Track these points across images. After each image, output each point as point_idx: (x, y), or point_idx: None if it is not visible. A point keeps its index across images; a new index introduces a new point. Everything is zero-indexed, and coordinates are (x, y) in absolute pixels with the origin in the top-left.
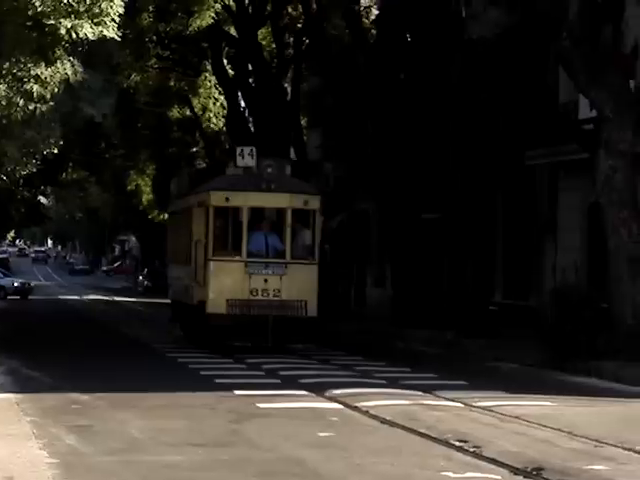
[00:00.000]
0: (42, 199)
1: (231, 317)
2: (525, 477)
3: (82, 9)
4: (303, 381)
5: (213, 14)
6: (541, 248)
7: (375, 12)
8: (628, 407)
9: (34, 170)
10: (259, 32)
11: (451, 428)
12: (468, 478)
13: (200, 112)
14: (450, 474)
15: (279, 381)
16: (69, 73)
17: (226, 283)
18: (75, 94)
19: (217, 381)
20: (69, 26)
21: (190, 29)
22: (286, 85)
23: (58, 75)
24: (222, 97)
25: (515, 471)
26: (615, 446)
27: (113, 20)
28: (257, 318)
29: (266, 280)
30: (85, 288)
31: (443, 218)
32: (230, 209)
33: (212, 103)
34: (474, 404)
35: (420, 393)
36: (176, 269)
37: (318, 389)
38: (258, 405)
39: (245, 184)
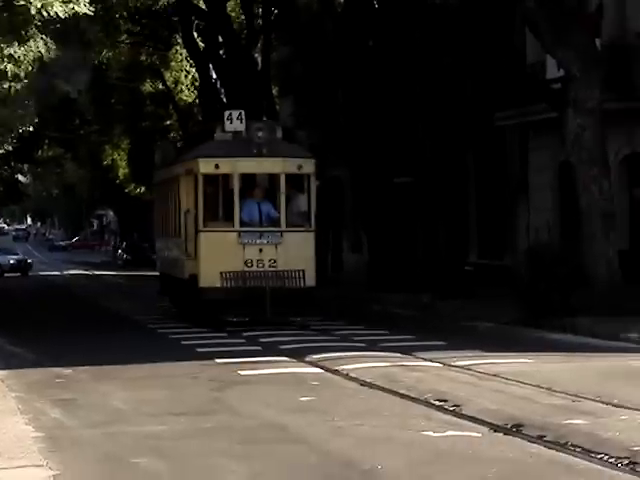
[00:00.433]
0: (20, 177)
1: (225, 290)
2: (505, 434)
3: None
4: (283, 347)
5: None
6: (514, 208)
7: None
8: (604, 361)
9: (10, 148)
10: (228, 4)
11: (430, 388)
12: (448, 436)
13: (172, 85)
14: (431, 433)
15: (260, 348)
16: (42, 51)
17: (219, 255)
18: (49, 71)
19: (199, 350)
20: (39, 5)
21: (160, 3)
22: (256, 55)
23: (31, 54)
24: (194, 70)
25: (495, 428)
26: (593, 400)
27: None
28: (253, 290)
29: (261, 250)
30: (65, 263)
31: (415, 182)
32: (220, 176)
33: (184, 76)
34: (452, 364)
35: (399, 355)
36: (165, 242)
37: (298, 354)
38: (239, 372)
39: (235, 150)
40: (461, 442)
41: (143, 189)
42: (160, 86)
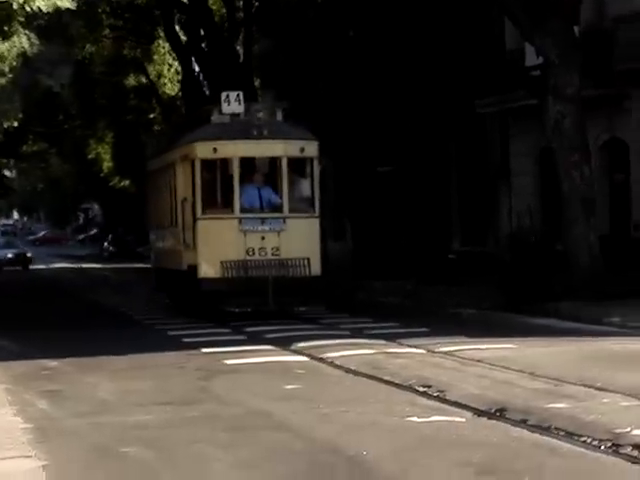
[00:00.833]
0: (5, 172)
1: (226, 281)
2: (489, 418)
3: None
4: (268, 336)
5: None
6: (496, 195)
7: None
8: (587, 345)
9: None
10: None
11: (415, 374)
12: (433, 422)
13: (155, 79)
14: (415, 419)
15: (245, 337)
16: (26, 46)
17: (218, 243)
18: (33, 66)
19: (184, 340)
20: (22, 1)
21: None
22: (238, 48)
23: (15, 49)
24: (176, 63)
25: (479, 413)
26: (575, 384)
27: None
28: (255, 280)
29: (263, 237)
30: (51, 257)
31: (398, 170)
32: (218, 161)
33: (167, 69)
34: (436, 350)
35: (383, 342)
36: (160, 233)
37: (283, 343)
38: (225, 362)
39: (233, 132)
40: (445, 427)
41: (127, 182)
42: (143, 80)
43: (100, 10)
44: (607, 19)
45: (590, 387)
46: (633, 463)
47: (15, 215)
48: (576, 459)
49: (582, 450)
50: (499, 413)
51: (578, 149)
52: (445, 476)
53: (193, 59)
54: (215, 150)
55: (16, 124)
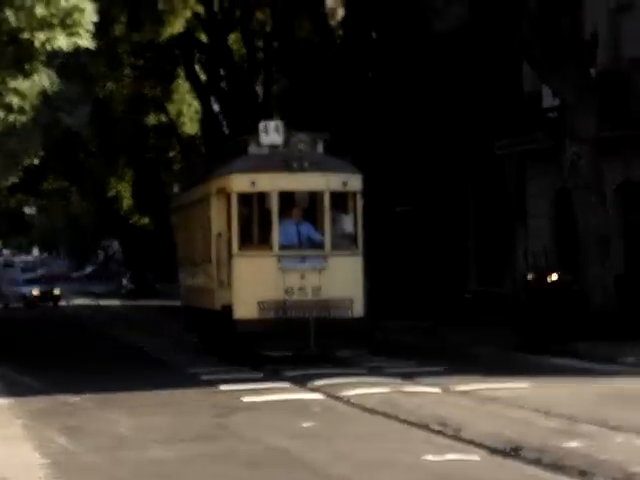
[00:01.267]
0: (26, 209)
1: (264, 322)
2: (503, 457)
3: (56, 22)
4: (286, 374)
5: (183, 22)
6: (512, 236)
7: (341, 13)
8: (601, 385)
9: (17, 180)
10: (229, 37)
11: (431, 413)
12: (448, 460)
13: (175, 117)
14: (430, 457)
15: (262, 375)
16: (46, 85)
17: (256, 282)
18: (53, 105)
19: (203, 378)
20: (44, 39)
21: (162, 37)
22: (257, 88)
23: (36, 87)
24: (196, 102)
25: (493, 451)
26: (589, 423)
27: (87, 30)
28: (295, 322)
29: (303, 276)
30: (71, 293)
31: (416, 210)
32: (256, 195)
33: (186, 108)
34: (452, 389)
35: (400, 380)
36: (191, 270)
37: (300, 381)
38: (242, 399)
39: (273, 165)
40: (460, 466)
41: (147, 220)
42: (163, 118)
43: (121, 50)
44: (624, 61)
45: (604, 426)
46: None
47: (35, 252)
48: None
49: None
50: (514, 452)
51: (594, 190)
52: None
53: (213, 98)
54: (253, 183)
55: (37, 161)
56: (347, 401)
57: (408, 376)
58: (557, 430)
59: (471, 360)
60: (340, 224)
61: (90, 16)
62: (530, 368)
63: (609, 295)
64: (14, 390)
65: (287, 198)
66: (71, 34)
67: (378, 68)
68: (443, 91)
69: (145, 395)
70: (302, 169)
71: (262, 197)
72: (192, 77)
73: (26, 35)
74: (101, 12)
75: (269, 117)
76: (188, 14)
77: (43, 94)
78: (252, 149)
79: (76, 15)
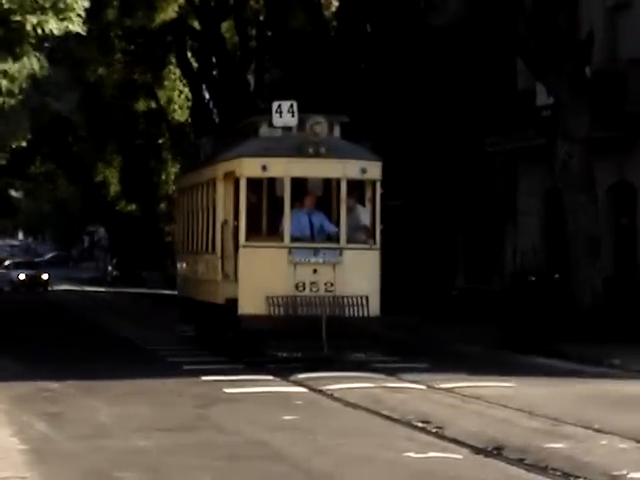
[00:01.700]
0: (12, 192)
1: (271, 319)
2: (486, 456)
3: (48, 5)
4: (269, 366)
5: (176, 8)
6: (502, 233)
7: (336, 4)
8: (587, 386)
9: (4, 162)
10: (222, 25)
11: (414, 409)
12: (430, 458)
13: (165, 104)
14: (412, 454)
15: (244, 366)
16: (36, 68)
17: (264, 276)
18: (42, 89)
19: (185, 368)
20: (35, 22)
21: (154, 23)
22: (249, 76)
23: (25, 70)
24: (187, 89)
25: (476, 450)
26: (573, 425)
27: (78, 15)
28: (305, 320)
29: (315, 270)
30: (56, 279)
31: (405, 205)
32: (266, 180)
33: (177, 95)
34: (436, 386)
35: (384, 376)
36: (190, 259)
37: (283, 373)
38: (224, 390)
39: (286, 148)
40: (442, 464)
41: (134, 206)
42: (153, 105)
43: (112, 34)
44: (620, 61)
45: (588, 428)
46: None
47: (20, 236)
48: None
49: None
50: (496, 451)
51: (585, 190)
52: None
53: (204, 86)
54: (264, 168)
55: (24, 144)
56: (330, 395)
57: (392, 372)
58: (541, 430)
59: (456, 357)
60: (357, 215)
61: (83, 1)
62: (515, 367)
63: (598, 296)
64: None
65: (300, 185)
66: (63, 18)
67: (371, 60)
68: (436, 86)
69: (127, 384)
70: (318, 154)
71: (272, 183)
72: (183, 64)
73: (18, 17)
74: None
75: (260, 107)
76: (181, 0)
77: (32, 78)
78: (263, 131)
79: (69, 0)
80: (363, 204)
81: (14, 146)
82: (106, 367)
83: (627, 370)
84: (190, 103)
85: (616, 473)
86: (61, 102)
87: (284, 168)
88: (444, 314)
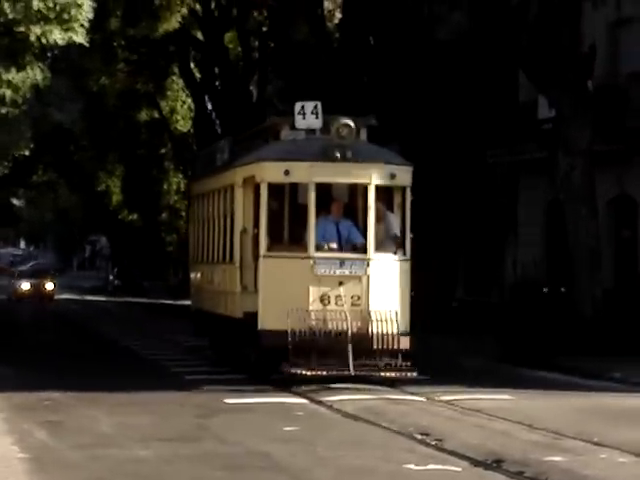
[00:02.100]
0: (14, 201)
1: (294, 335)
2: (485, 469)
3: (52, 16)
4: (270, 376)
5: (179, 18)
6: (502, 244)
7: (339, 16)
8: (587, 400)
9: (5, 172)
10: (225, 36)
11: (414, 422)
12: (430, 470)
13: (168, 114)
14: (412, 466)
15: (246, 376)
16: (39, 78)
17: (286, 288)
18: (44, 99)
19: (187, 378)
20: (39, 32)
21: (157, 33)
22: (252, 88)
23: (28, 80)
24: (189, 99)
25: (475, 463)
26: (573, 438)
27: (82, 26)
28: (330, 336)
29: (341, 283)
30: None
31: None
32: (288, 186)
33: (180, 105)
34: (436, 398)
35: (384, 388)
36: (205, 269)
37: (284, 384)
38: (225, 401)
39: (310, 152)
40: (442, 476)
41: (136, 216)
42: (156, 115)
43: (115, 44)
44: (621, 75)
45: (588, 442)
46: None
47: (22, 244)
48: None
49: None
50: (496, 464)
51: (586, 203)
52: None
53: (206, 97)
54: (287, 173)
55: (27, 153)
56: (330, 406)
57: (392, 383)
58: (540, 443)
59: (456, 370)
60: (386, 223)
61: (86, 12)
62: (515, 380)
63: (598, 309)
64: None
65: (324, 191)
66: (67, 29)
67: (374, 73)
68: (438, 98)
69: (128, 393)
70: (344, 158)
71: (295, 189)
72: (186, 74)
73: (22, 28)
74: (97, 6)
75: (262, 118)
76: (184, 11)
77: (35, 88)
78: (285, 134)
79: (73, 11)
80: (392, 211)
81: (16, 155)
82: (107, 376)
83: (628, 384)
84: (193, 113)
85: None
86: (63, 111)
87: (308, 173)
88: (444, 325)
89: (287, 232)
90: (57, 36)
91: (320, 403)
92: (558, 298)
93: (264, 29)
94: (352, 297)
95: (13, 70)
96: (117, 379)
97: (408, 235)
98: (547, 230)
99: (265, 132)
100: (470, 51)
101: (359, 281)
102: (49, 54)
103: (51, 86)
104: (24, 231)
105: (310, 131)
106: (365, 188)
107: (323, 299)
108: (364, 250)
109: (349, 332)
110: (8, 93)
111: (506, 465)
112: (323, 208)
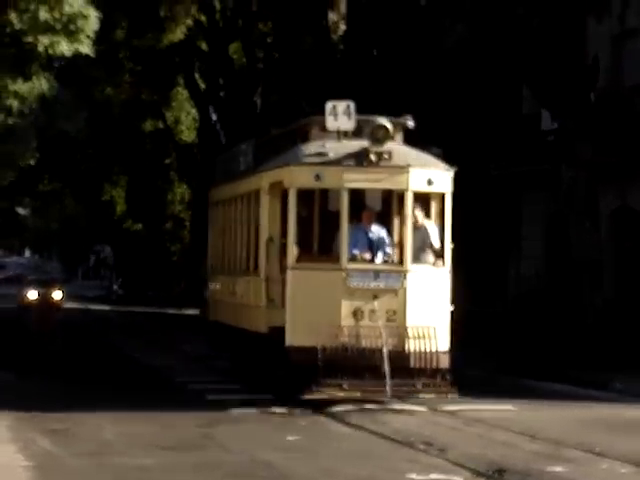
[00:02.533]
0: (20, 210)
1: (324, 352)
2: (487, 479)
3: (59, 27)
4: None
5: (184, 29)
6: (505, 257)
7: (343, 27)
8: (588, 410)
9: (12, 180)
10: (230, 47)
11: (417, 432)
12: None
13: (173, 125)
14: (414, 476)
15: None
16: (45, 88)
17: (316, 302)
18: (50, 109)
19: (191, 387)
20: (47, 43)
21: (162, 44)
22: (256, 99)
23: (35, 90)
24: (194, 110)
25: (477, 473)
26: (575, 448)
27: (88, 37)
28: (364, 354)
29: (376, 296)
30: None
31: None
32: (318, 192)
33: (184, 116)
34: (439, 409)
35: (387, 398)
36: (226, 280)
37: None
38: (229, 410)
39: (343, 155)
40: None
41: (140, 226)
42: (160, 125)
43: (120, 55)
44: (624, 87)
45: (589, 452)
46: None
47: (27, 253)
48: None
49: None
50: (498, 474)
51: (588, 215)
52: None
53: (211, 107)
54: (318, 177)
55: (32, 162)
56: (333, 416)
57: (395, 394)
58: (542, 454)
59: (459, 380)
60: (423, 233)
61: (93, 23)
62: (517, 391)
63: (600, 320)
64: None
65: (356, 197)
66: (73, 40)
67: (378, 84)
68: (441, 110)
69: (132, 402)
70: (379, 162)
71: (325, 195)
72: (191, 85)
73: (29, 39)
74: (102, 17)
75: (267, 129)
76: (189, 22)
77: (41, 98)
78: (315, 135)
79: (80, 22)
80: (431, 220)
81: (22, 164)
82: (111, 385)
83: (629, 395)
84: (197, 124)
85: None
86: (69, 122)
87: (341, 178)
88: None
89: (317, 242)
90: (64, 47)
91: (323, 413)
92: (560, 309)
93: (269, 40)
94: (387, 312)
95: (20, 81)
96: (121, 387)
97: (448, 245)
98: (550, 243)
99: (293, 134)
100: (473, 63)
101: (395, 295)
102: (55, 64)
103: (57, 96)
104: (29, 240)
105: (342, 132)
106: (402, 195)
107: (356, 314)
108: (400, 261)
109: (384, 350)
110: (15, 104)
111: (508, 475)
112: (354, 215)
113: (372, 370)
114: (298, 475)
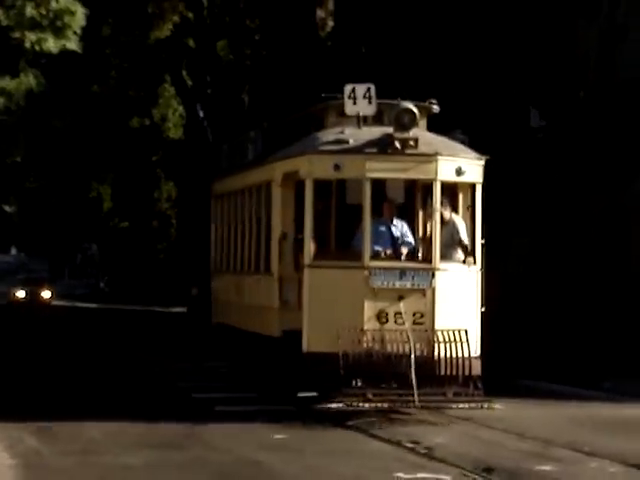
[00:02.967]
0: (5, 207)
1: (346, 358)
2: (474, 478)
3: (46, 23)
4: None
5: (171, 26)
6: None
7: (331, 24)
8: (577, 409)
9: None
10: (217, 44)
11: (404, 430)
12: (419, 479)
13: (159, 122)
14: (401, 475)
15: (234, 385)
16: (33, 85)
17: (336, 303)
18: (37, 105)
19: (177, 385)
20: (34, 39)
21: (149, 41)
22: (244, 96)
23: (23, 87)
24: (181, 107)
25: (465, 472)
26: (563, 447)
27: (75, 33)
28: (389, 360)
29: (402, 297)
30: None
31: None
32: (336, 183)
33: (171, 113)
34: (426, 407)
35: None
36: (233, 280)
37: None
38: (215, 408)
39: (364, 143)
40: None
41: (127, 223)
42: (147, 122)
43: (107, 51)
44: (615, 83)
45: (579, 451)
46: None
47: (13, 251)
48: None
49: None
50: (485, 473)
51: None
52: None
53: (198, 104)
54: (337, 167)
55: (19, 159)
56: (320, 414)
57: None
58: (530, 453)
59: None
60: (452, 228)
61: (80, 19)
62: (506, 389)
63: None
64: None
65: (377, 188)
66: (60, 36)
67: (366, 81)
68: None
69: (118, 400)
70: (405, 150)
71: (341, 186)
72: (178, 82)
73: (17, 34)
74: (89, 13)
75: (255, 126)
76: (177, 19)
77: (29, 94)
78: (332, 121)
79: (66, 18)
80: (458, 213)
81: (9, 161)
82: (98, 382)
83: (619, 393)
84: (184, 121)
85: None
86: (55, 118)
87: (363, 167)
88: None
89: (335, 238)
90: (51, 44)
91: (310, 411)
92: (559, 309)
93: (256, 37)
94: (414, 314)
95: (7, 78)
96: (109, 385)
97: (479, 241)
98: (536, 244)
99: (308, 119)
100: (462, 62)
101: (423, 295)
102: (42, 61)
103: (44, 92)
104: (15, 238)
105: (362, 118)
106: (428, 186)
107: (380, 316)
108: (427, 259)
109: (411, 355)
110: (1, 101)
111: (496, 474)
112: (374, 208)
113: (398, 378)
114: (284, 473)
